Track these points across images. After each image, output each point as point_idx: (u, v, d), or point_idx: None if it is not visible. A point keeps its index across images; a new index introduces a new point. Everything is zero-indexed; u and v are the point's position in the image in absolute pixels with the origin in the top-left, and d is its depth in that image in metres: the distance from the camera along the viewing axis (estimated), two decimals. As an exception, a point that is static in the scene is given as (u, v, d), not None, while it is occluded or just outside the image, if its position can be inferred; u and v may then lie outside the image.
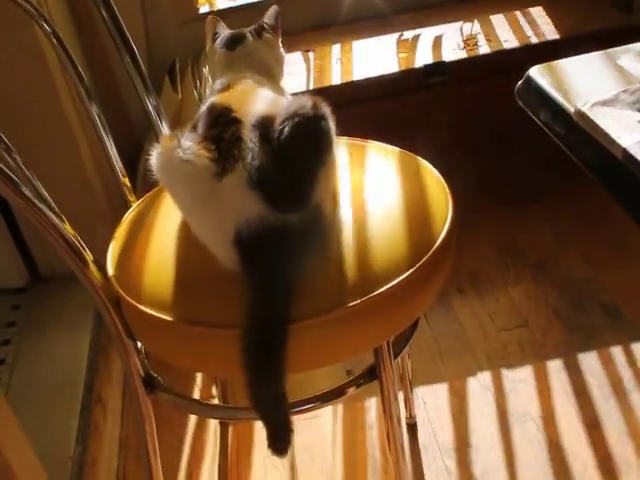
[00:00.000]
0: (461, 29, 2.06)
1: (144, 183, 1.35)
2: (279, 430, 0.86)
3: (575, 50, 1.03)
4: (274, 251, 0.83)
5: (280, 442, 0.86)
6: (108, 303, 0.94)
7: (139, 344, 1.00)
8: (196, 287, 0.90)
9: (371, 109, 1.91)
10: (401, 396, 1.41)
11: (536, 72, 0.99)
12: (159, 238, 1.00)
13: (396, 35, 2.07)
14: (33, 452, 1.05)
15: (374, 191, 1.00)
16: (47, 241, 0.90)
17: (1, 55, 1.50)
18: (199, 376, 1.65)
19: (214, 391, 1.62)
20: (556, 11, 2.06)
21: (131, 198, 1.19)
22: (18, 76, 1.54)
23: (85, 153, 1.69)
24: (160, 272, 0.93)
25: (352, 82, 1.91)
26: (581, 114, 0.86)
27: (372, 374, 0.97)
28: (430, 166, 1.06)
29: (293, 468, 1.43)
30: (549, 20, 2.03)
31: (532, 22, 2.03)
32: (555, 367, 1.54)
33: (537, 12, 2.08)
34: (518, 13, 2.09)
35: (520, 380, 1.53)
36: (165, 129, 1.19)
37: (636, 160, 0.76)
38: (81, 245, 0.91)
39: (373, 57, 1.99)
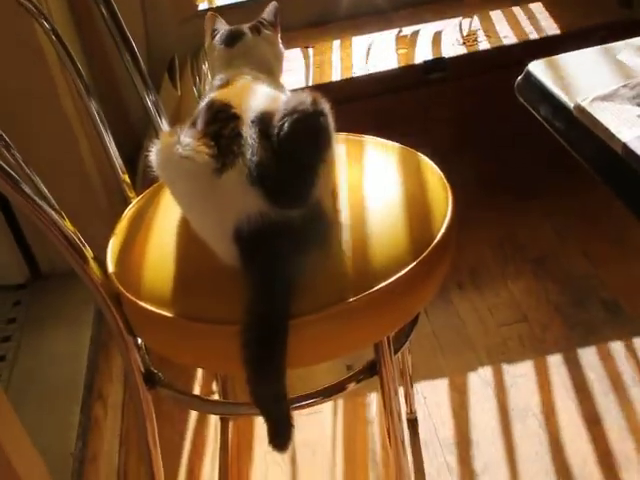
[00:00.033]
0: (460, 25, 2.06)
1: (144, 179, 1.35)
2: (280, 425, 0.86)
3: (575, 45, 1.03)
4: (274, 247, 0.83)
5: (281, 438, 0.86)
6: (108, 299, 0.95)
7: (139, 340, 1.00)
8: (196, 283, 0.90)
9: (370, 105, 1.90)
10: (401, 391, 1.42)
11: (536, 67, 0.98)
12: (159, 234, 1.00)
13: (395, 31, 2.07)
14: (34, 448, 1.05)
15: (374, 187, 1.00)
16: (47, 238, 0.90)
17: (1, 52, 1.50)
18: (199, 372, 1.65)
19: (214, 387, 1.62)
20: (555, 7, 2.06)
21: (131, 194, 1.19)
22: (17, 73, 1.54)
23: (85, 150, 1.69)
24: (160, 268, 0.93)
25: (351, 78, 1.91)
26: (581, 109, 0.86)
27: (372, 369, 0.97)
28: (430, 162, 1.06)
29: (294, 463, 1.43)
30: (548, 15, 2.02)
31: (532, 17, 2.03)
32: (555, 362, 1.54)
33: (536, 8, 2.08)
34: (517, 9, 2.09)
35: (520, 375, 1.53)
36: (164, 125, 1.19)
37: (636, 155, 0.76)
38: (81, 242, 0.92)
39: (373, 53, 1.98)
